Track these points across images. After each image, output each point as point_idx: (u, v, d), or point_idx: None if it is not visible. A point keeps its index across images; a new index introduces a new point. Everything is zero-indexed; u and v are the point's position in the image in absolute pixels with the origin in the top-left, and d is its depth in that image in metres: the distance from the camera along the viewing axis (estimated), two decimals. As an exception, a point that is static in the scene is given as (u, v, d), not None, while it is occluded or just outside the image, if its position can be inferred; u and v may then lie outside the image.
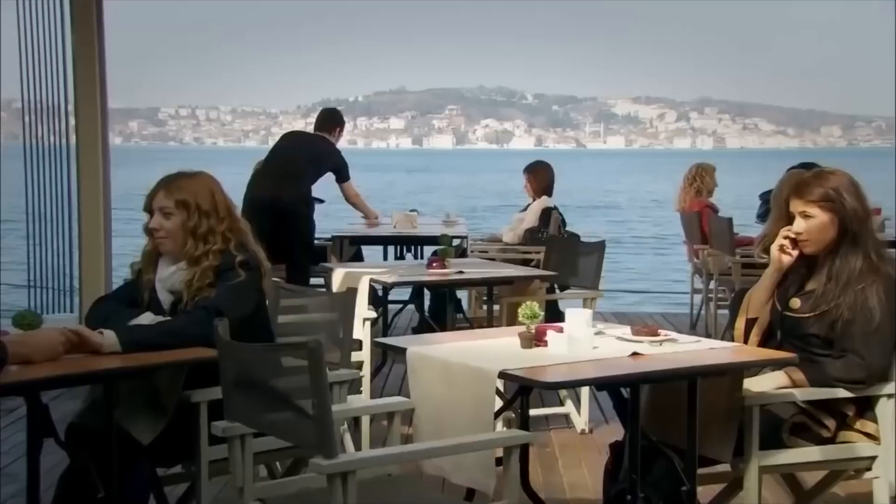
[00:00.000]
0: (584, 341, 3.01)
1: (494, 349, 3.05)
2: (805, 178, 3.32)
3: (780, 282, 3.32)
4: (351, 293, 3.54)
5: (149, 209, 3.27)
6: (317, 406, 2.40)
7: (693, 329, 7.93)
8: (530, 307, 3.04)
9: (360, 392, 4.52)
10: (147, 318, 3.14)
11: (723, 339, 6.81)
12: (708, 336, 7.37)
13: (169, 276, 3.23)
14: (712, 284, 7.31)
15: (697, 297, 7.93)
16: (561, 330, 3.06)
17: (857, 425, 3.19)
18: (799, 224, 3.25)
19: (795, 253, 3.27)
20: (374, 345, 4.02)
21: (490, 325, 5.31)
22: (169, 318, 3.16)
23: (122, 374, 2.88)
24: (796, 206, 3.27)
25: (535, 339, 3.04)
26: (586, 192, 43.04)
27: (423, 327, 6.37)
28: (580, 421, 5.02)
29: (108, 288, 6.48)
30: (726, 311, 7.22)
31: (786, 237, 3.27)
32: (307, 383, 2.41)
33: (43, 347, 2.76)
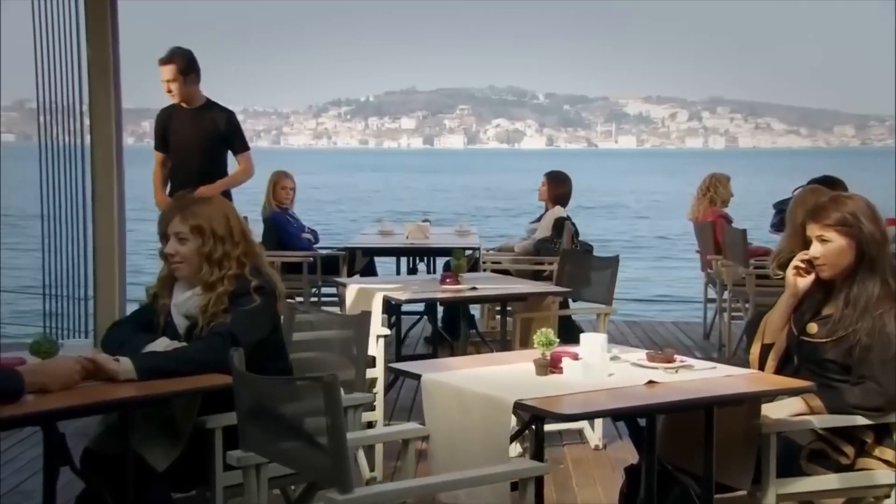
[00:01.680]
0: (600, 369, 3.00)
1: (509, 376, 3.04)
2: (822, 202, 3.30)
3: (796, 307, 3.30)
4: (365, 316, 3.53)
5: (164, 234, 3.27)
6: (332, 439, 2.40)
7: (707, 339, 7.92)
8: (545, 334, 3.03)
9: (373, 408, 4.53)
10: (162, 344, 3.14)
11: (735, 352, 6.84)
12: (722, 347, 7.39)
13: (184, 302, 3.23)
14: (726, 294, 7.28)
15: (711, 307, 7.91)
16: (576, 356, 3.05)
17: (876, 452, 3.16)
18: (816, 248, 3.23)
19: (811, 277, 3.25)
20: (388, 369, 4.01)
21: (503, 340, 5.32)
22: (184, 343, 3.16)
23: (138, 402, 2.88)
24: (813, 230, 3.25)
25: (550, 367, 3.03)
26: (598, 192, 42.99)
27: (435, 338, 6.37)
28: (594, 437, 5.00)
29: (122, 289, 6.48)
30: (740, 322, 7.23)
31: (802, 261, 3.25)
32: (323, 416, 2.41)
33: (59, 376, 2.77)
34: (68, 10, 6.33)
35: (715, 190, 7.62)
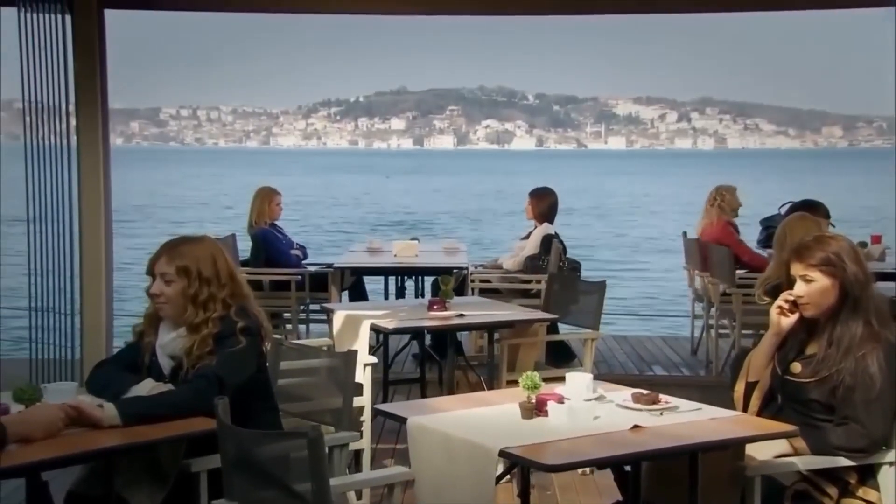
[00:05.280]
0: (585, 412, 3.00)
1: (494, 420, 3.05)
2: (806, 241, 3.32)
3: (780, 345, 3.32)
4: (351, 354, 3.54)
5: (151, 273, 3.26)
6: (316, 493, 2.40)
7: (694, 355, 7.93)
8: (531, 377, 3.03)
9: (360, 436, 4.52)
10: (147, 385, 3.13)
11: (722, 370, 6.86)
12: (709, 363, 7.42)
13: (169, 342, 3.23)
14: (713, 311, 7.29)
15: (698, 322, 7.92)
16: (561, 399, 3.06)
17: (860, 493, 3.18)
18: (800, 287, 3.25)
19: (795, 316, 3.27)
20: (374, 410, 4.01)
21: (490, 366, 5.31)
22: (169, 385, 3.15)
23: (123, 450, 2.87)
24: (797, 269, 3.27)
25: (535, 410, 3.04)
26: (587, 193, 43.05)
27: (423, 358, 6.36)
28: (581, 462, 5.00)
29: (108, 299, 6.44)
30: (727, 339, 7.25)
31: (786, 300, 3.27)
32: (307, 470, 2.41)
33: (42, 424, 2.76)
34: (56, 12, 6.27)
35: (722, 198, 7.37)
